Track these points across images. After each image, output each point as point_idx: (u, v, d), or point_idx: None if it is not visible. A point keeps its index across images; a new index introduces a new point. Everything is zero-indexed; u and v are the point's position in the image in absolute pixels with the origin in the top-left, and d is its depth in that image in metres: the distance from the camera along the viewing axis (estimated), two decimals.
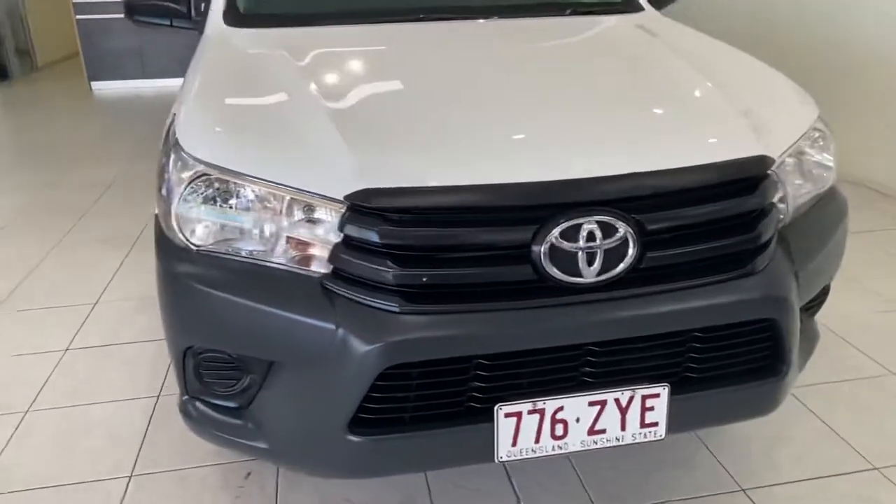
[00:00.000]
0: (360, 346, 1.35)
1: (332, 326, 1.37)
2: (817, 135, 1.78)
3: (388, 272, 1.35)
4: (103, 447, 2.14)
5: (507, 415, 1.45)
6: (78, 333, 2.78)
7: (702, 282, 1.47)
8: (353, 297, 1.38)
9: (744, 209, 1.50)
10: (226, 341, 1.49)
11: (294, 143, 1.50)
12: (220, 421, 1.61)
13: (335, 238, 1.40)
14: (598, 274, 1.40)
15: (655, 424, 1.53)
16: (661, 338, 1.49)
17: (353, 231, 1.38)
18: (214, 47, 2.13)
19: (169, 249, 1.54)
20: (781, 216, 1.61)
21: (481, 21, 2.37)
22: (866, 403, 2.32)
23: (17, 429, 2.23)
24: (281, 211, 1.45)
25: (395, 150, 1.47)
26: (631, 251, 1.40)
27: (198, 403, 1.63)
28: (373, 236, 1.36)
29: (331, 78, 1.85)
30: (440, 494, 1.92)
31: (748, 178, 1.52)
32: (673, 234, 1.46)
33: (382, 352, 1.34)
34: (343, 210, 1.39)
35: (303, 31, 2.26)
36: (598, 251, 1.38)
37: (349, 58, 2.05)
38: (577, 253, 1.37)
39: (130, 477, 2.02)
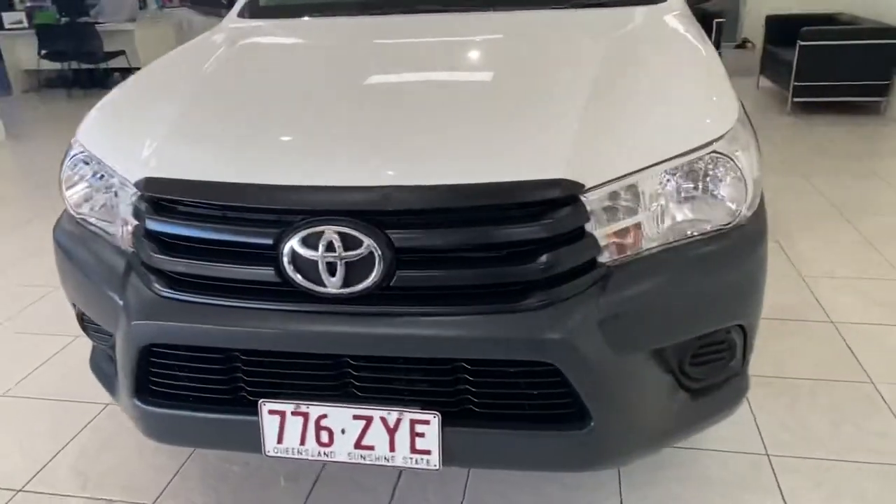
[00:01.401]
0: (125, 323, 1.46)
1: (119, 302, 1.50)
2: (702, 165, 1.48)
3: (153, 257, 1.45)
4: None
5: (271, 412, 1.47)
6: None
7: (461, 311, 1.34)
8: (135, 277, 1.49)
9: (516, 238, 1.33)
10: (76, 300, 1.70)
11: (137, 130, 1.64)
12: (103, 369, 1.83)
13: (134, 220, 1.52)
14: (344, 286, 1.35)
15: (428, 452, 1.44)
16: (425, 363, 1.39)
17: (136, 215, 1.49)
18: (193, 41, 2.32)
19: (66, 214, 1.79)
20: (599, 250, 1.39)
21: (477, 14, 2.26)
22: None
23: None
24: (116, 191, 1.60)
25: (185, 143, 1.54)
26: (377, 267, 1.33)
27: (95, 353, 1.87)
28: (147, 222, 1.46)
29: (232, 68, 1.94)
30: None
31: (529, 203, 1.33)
32: (429, 255, 1.34)
33: (140, 330, 1.45)
34: (134, 195, 1.50)
35: (291, 22, 2.38)
36: (339, 262, 1.33)
37: (280, 51, 2.12)
38: (317, 261, 1.34)
39: None
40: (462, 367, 1.39)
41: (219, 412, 1.52)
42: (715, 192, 1.51)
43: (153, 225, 1.45)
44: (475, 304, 1.34)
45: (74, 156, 1.71)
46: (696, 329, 1.50)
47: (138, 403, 1.55)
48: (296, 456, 1.49)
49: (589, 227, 1.38)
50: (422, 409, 1.42)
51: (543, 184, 1.33)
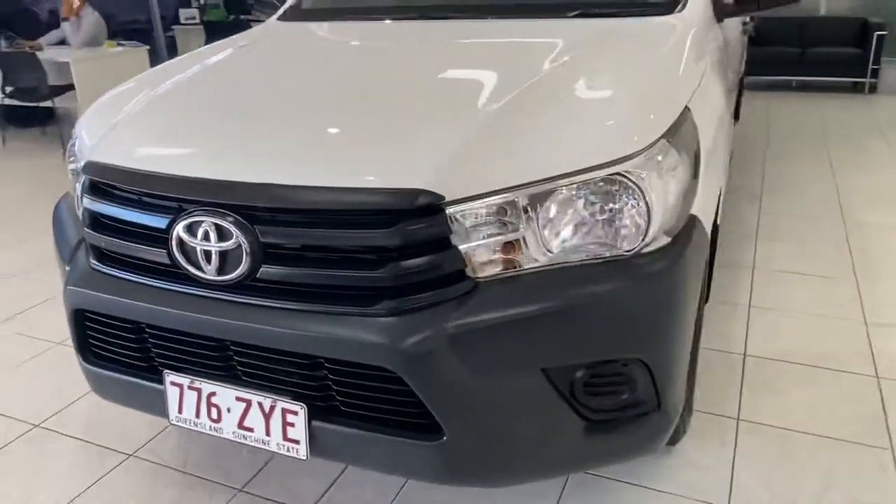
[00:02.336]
0: (63, 288, 1.67)
1: (67, 268, 1.71)
2: (599, 186, 1.40)
3: (86, 232, 1.63)
4: None
5: (173, 383, 1.61)
6: None
7: (317, 309, 1.39)
8: (81, 250, 1.69)
9: (370, 243, 1.35)
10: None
11: (104, 119, 1.83)
12: None
13: None
14: (219, 274, 1.45)
15: (297, 442, 1.51)
16: (291, 355, 1.45)
17: (80, 194, 1.68)
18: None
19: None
20: (463, 264, 1.37)
21: (482, 21, 2.27)
22: None
23: None
24: (78, 172, 1.80)
25: (125, 134, 1.70)
26: (245, 259, 1.41)
27: None
28: (83, 201, 1.64)
29: (220, 66, 2.10)
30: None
31: (383, 210, 1.34)
32: (292, 252, 1.40)
33: (71, 295, 1.64)
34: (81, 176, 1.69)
35: (314, 25, 2.51)
36: (213, 251, 1.43)
37: (271, 54, 2.25)
38: (196, 248, 1.45)
39: None
40: (323, 364, 1.44)
41: (139, 377, 1.68)
42: (611, 217, 1.43)
43: (87, 203, 1.63)
44: (331, 304, 1.39)
45: (72, 140, 1.95)
46: (574, 357, 1.44)
47: (83, 362, 1.76)
48: (192, 427, 1.62)
49: (455, 239, 1.37)
50: (291, 400, 1.49)
51: (399, 192, 1.34)
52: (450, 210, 1.35)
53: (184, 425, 1.63)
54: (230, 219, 1.41)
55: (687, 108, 1.63)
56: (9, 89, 6.30)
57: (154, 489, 2.05)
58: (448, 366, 1.35)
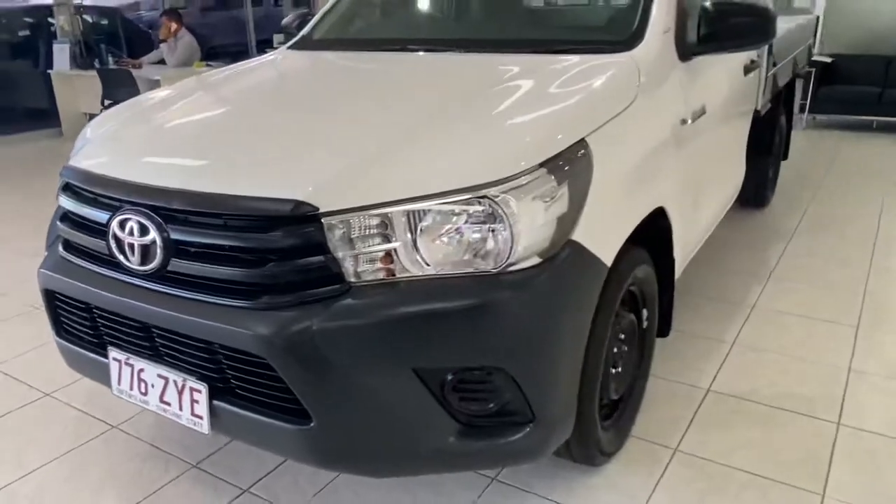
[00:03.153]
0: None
1: (46, 254, 2.01)
2: (466, 207, 1.54)
3: (57, 224, 1.92)
4: None
5: (114, 358, 1.87)
6: None
7: (211, 300, 1.59)
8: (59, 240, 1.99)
9: (250, 245, 1.54)
10: None
11: (94, 127, 2.14)
12: None
13: None
14: (141, 264, 1.68)
15: (201, 417, 1.72)
16: (195, 340, 1.66)
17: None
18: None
19: None
20: (339, 268, 1.54)
21: (461, 54, 2.41)
22: None
23: None
24: None
25: (99, 141, 1.99)
26: (159, 253, 1.64)
27: None
28: (59, 198, 1.93)
29: (216, 83, 2.37)
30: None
31: (261, 216, 1.53)
32: (197, 249, 1.61)
33: (41, 276, 1.94)
34: None
35: (314, 54, 2.77)
36: (136, 244, 1.67)
37: (264, 75, 2.51)
38: (124, 241, 1.69)
39: None
40: (218, 350, 1.64)
41: (93, 352, 1.94)
42: (478, 236, 1.56)
43: (60, 200, 1.92)
44: (223, 297, 1.59)
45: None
46: (441, 361, 1.57)
47: (55, 337, 2.05)
48: (127, 399, 1.86)
49: (331, 246, 1.54)
50: (197, 380, 1.71)
51: (277, 201, 1.53)
52: (325, 220, 1.53)
53: (122, 396, 1.87)
54: (149, 217, 1.65)
55: (582, 142, 1.74)
56: (107, 102, 7.01)
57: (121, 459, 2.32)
58: (315, 358, 1.52)
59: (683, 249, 2.56)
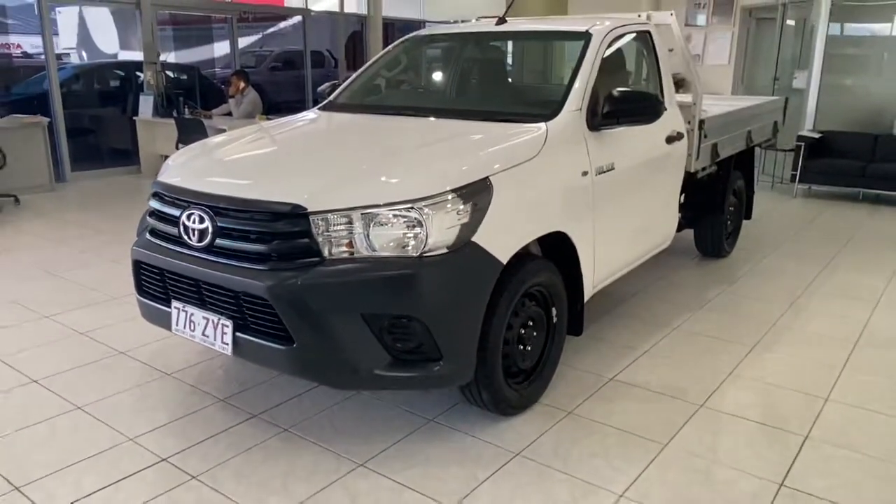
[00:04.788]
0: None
1: (137, 238, 3.03)
2: (399, 212, 2.45)
3: (145, 218, 2.93)
4: None
5: (175, 307, 2.83)
6: None
7: (240, 264, 2.55)
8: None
9: (265, 231, 2.50)
10: None
11: (179, 159, 3.18)
12: None
13: None
14: (198, 242, 2.66)
15: (227, 344, 2.66)
16: (227, 291, 2.61)
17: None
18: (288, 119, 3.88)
19: None
20: (319, 248, 2.47)
21: (429, 119, 3.41)
22: None
23: None
24: None
25: (177, 162, 3.02)
26: (209, 235, 2.62)
27: None
28: (150, 201, 2.95)
29: (267, 129, 3.41)
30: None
31: (271, 213, 2.49)
32: (232, 232, 2.58)
33: (133, 253, 2.94)
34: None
35: (337, 115, 3.79)
36: (196, 230, 2.65)
37: (303, 125, 3.54)
38: (188, 227, 2.68)
39: None
40: (241, 297, 2.58)
41: (160, 304, 2.92)
42: (407, 233, 2.48)
43: (151, 202, 2.94)
44: (246, 262, 2.55)
45: None
46: (378, 309, 2.47)
47: (137, 295, 3.04)
48: (182, 335, 2.82)
49: (314, 234, 2.48)
50: (226, 319, 2.65)
51: (281, 204, 2.50)
52: (311, 217, 2.48)
53: (179, 334, 2.83)
54: (204, 211, 2.64)
55: (486, 179, 2.66)
56: (180, 146, 8.27)
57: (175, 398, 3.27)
58: (299, 302, 2.44)
59: (596, 270, 3.41)
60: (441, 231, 2.50)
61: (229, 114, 9.03)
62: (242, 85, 8.78)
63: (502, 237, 2.70)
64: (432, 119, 3.41)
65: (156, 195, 2.93)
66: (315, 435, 2.90)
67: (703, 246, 5.46)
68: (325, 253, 2.50)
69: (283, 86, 12.98)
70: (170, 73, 10.92)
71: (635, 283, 4.81)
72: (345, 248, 2.50)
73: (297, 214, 2.49)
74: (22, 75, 10.00)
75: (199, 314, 2.74)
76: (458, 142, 2.95)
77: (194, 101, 10.17)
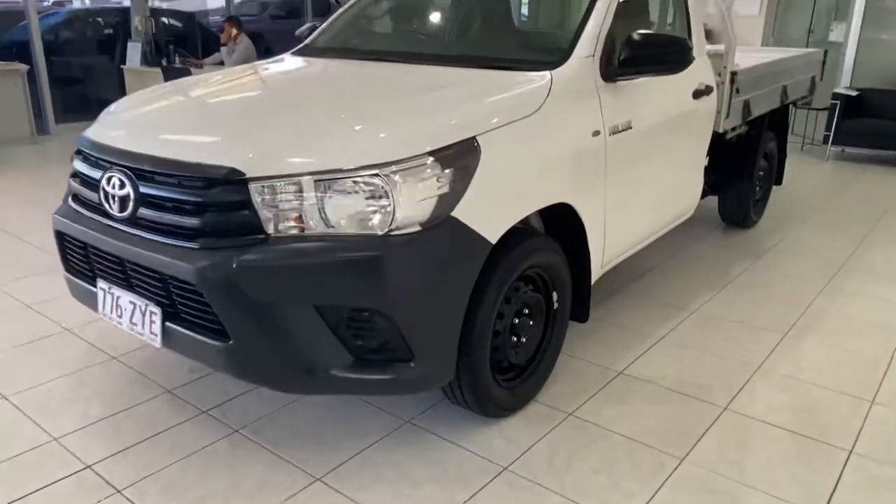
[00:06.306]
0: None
1: (61, 204, 2.55)
2: (360, 182, 1.96)
3: (69, 180, 2.45)
4: None
5: (100, 287, 2.38)
6: None
7: (163, 241, 2.07)
8: None
9: (193, 200, 2.02)
10: None
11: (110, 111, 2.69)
12: None
13: None
14: (119, 212, 2.18)
15: (156, 335, 2.20)
16: (154, 272, 2.14)
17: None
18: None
19: None
20: (259, 222, 1.99)
21: (416, 66, 2.86)
22: None
23: None
24: None
25: (106, 117, 2.52)
26: (131, 203, 2.14)
27: None
28: (73, 161, 2.47)
29: (221, 79, 2.90)
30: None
31: (198, 178, 2.01)
32: (157, 201, 2.10)
33: (53, 221, 2.47)
34: None
35: (315, 60, 3.26)
36: (116, 196, 2.17)
37: (265, 73, 3.01)
38: (109, 193, 2.20)
39: None
40: (168, 281, 2.12)
41: (87, 283, 2.46)
42: (368, 205, 1.99)
43: (74, 162, 2.45)
44: (174, 239, 2.06)
45: None
46: (335, 299, 2.00)
47: (63, 271, 2.58)
48: (109, 320, 2.36)
49: (255, 204, 2.00)
50: (155, 305, 2.19)
51: (214, 167, 2.00)
52: (251, 184, 1.99)
53: (105, 318, 2.38)
54: (126, 175, 2.15)
55: (473, 140, 2.15)
56: None
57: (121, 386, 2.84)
58: (234, 289, 1.97)
59: (607, 247, 2.92)
60: (413, 204, 2.01)
61: (222, 63, 8.48)
62: (235, 32, 8.20)
63: (491, 211, 2.21)
64: (419, 66, 2.87)
65: (79, 153, 2.45)
66: (269, 439, 2.47)
67: (728, 214, 4.93)
68: (270, 229, 2.02)
69: (285, 35, 12.32)
70: (164, 20, 10.33)
71: (650, 257, 4.30)
72: (294, 224, 2.02)
73: (234, 180, 2.00)
74: (10, 21, 9.46)
75: (125, 298, 2.29)
76: (443, 94, 2.42)
77: (193, 49, 9.61)
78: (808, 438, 2.53)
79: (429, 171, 2.03)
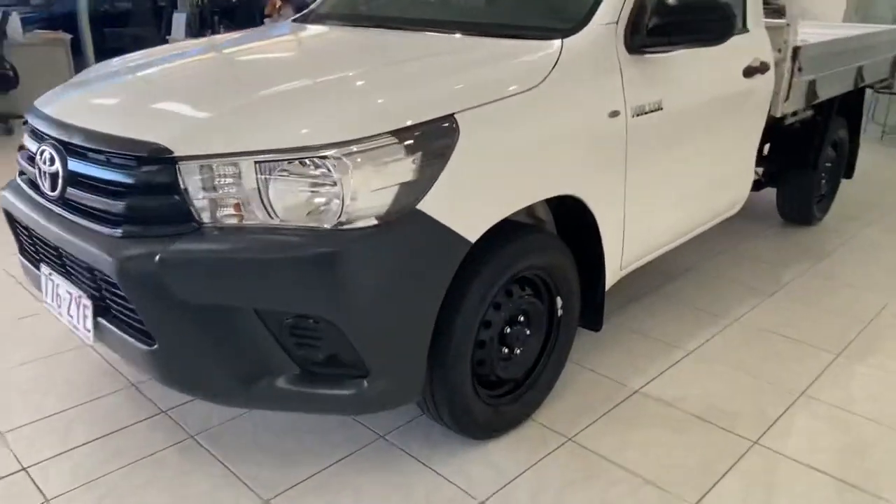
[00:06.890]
0: None
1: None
2: (303, 165, 1.65)
3: (18, 153, 2.22)
4: None
5: (43, 273, 2.15)
6: None
7: (92, 227, 1.81)
8: None
9: (117, 180, 1.74)
10: None
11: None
12: None
13: None
14: (51, 191, 1.94)
15: (88, 330, 1.96)
16: (81, 261, 1.88)
17: None
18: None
19: None
20: (188, 208, 1.70)
21: (421, 33, 2.49)
22: None
23: None
24: None
25: (64, 87, 2.28)
26: (60, 181, 1.88)
27: None
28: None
29: (201, 46, 2.63)
30: None
31: (135, 157, 1.73)
32: (82, 179, 1.83)
33: (1, 198, 2.25)
34: None
35: (308, 28, 2.95)
36: (47, 173, 1.92)
37: (250, 41, 2.71)
38: (42, 170, 1.95)
39: None
40: (98, 274, 1.86)
41: (35, 267, 2.24)
42: (314, 193, 1.68)
43: (25, 134, 2.22)
44: (98, 224, 1.80)
45: None
46: (275, 304, 1.70)
47: (18, 255, 2.37)
48: (51, 310, 2.13)
49: (186, 188, 1.70)
50: (87, 298, 1.94)
51: (139, 143, 1.72)
52: (181, 164, 1.70)
53: (47, 307, 2.15)
54: (56, 149, 1.90)
55: (450, 118, 1.81)
56: None
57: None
58: (156, 287, 1.69)
59: (626, 248, 2.53)
60: (367, 193, 1.68)
61: None
62: (279, 3, 7.99)
63: (471, 204, 1.86)
64: (414, 34, 2.52)
65: (26, 124, 2.21)
66: (224, 449, 2.21)
67: (787, 210, 4.41)
68: (204, 218, 1.73)
69: None
70: None
71: (687, 255, 3.86)
72: (232, 212, 1.73)
73: (160, 159, 1.71)
74: None
75: (63, 286, 2.05)
76: (420, 64, 2.07)
77: (242, 20, 9.47)
78: (853, 487, 2.11)
79: (388, 154, 1.70)
